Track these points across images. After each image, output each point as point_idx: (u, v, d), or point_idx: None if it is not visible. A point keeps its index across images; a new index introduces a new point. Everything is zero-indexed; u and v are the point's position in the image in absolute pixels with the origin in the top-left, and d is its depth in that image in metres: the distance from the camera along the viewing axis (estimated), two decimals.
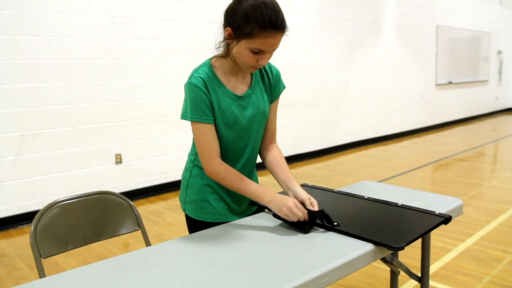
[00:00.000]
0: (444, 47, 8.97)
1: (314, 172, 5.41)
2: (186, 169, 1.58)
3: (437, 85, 8.94)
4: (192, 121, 1.38)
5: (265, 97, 1.51)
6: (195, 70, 1.41)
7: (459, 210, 1.58)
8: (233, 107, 1.42)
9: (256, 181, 1.62)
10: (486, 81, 10.88)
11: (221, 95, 1.40)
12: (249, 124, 1.46)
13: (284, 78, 1.76)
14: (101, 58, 4.13)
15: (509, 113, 11.67)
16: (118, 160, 4.35)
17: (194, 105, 1.36)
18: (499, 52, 11.28)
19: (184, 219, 1.62)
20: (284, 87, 1.58)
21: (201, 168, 1.48)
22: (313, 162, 6.02)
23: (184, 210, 1.58)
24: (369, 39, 7.11)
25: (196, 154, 1.49)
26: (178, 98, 4.74)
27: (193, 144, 1.52)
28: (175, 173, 4.81)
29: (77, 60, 3.99)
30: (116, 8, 4.18)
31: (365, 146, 7.15)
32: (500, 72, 11.47)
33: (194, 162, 1.53)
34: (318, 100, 6.24)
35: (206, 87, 1.37)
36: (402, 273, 1.75)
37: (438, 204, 1.56)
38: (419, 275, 1.69)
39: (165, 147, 4.71)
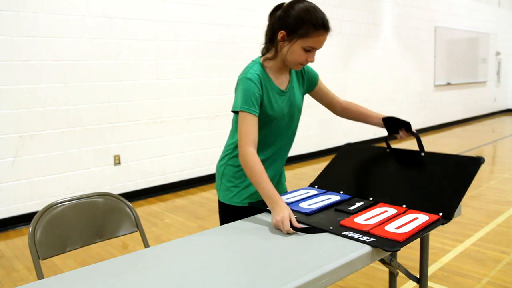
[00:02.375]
0: (442, 48, 8.98)
1: (312, 173, 5.41)
2: (221, 159, 1.72)
3: (436, 86, 8.96)
4: (241, 111, 1.49)
5: (300, 92, 1.70)
6: (250, 67, 1.55)
7: (457, 211, 1.58)
8: (279, 101, 1.59)
9: (283, 172, 1.80)
10: (485, 82, 10.90)
11: (271, 90, 1.57)
12: (288, 116, 1.64)
13: None
14: (100, 59, 4.13)
15: (508, 114, 11.70)
16: (117, 161, 4.34)
17: (246, 97, 1.49)
18: (497, 53, 11.31)
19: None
20: (317, 73, 1.77)
21: (236, 158, 1.63)
22: (311, 163, 6.02)
23: (219, 197, 1.72)
24: (368, 41, 7.12)
25: (232, 146, 1.65)
26: (176, 99, 4.74)
27: (230, 138, 1.68)
28: (173, 174, 4.81)
29: (76, 61, 3.99)
30: (114, 9, 4.18)
31: None
32: (498, 73, 11.49)
33: (231, 153, 1.67)
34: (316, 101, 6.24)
35: (260, 83, 1.53)
36: (400, 274, 1.75)
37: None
38: (418, 276, 1.70)
39: (164, 148, 4.71)
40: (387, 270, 2.04)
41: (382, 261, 1.59)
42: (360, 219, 1.38)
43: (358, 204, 1.54)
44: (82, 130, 4.08)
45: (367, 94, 7.24)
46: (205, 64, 4.95)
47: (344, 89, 6.75)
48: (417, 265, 2.22)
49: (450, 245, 3.06)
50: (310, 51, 1.50)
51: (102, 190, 4.14)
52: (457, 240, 3.14)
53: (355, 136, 7.06)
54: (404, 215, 1.41)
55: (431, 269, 2.69)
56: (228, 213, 1.66)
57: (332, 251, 1.19)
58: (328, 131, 6.57)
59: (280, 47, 1.53)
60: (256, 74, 1.52)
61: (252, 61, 1.60)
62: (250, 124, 1.48)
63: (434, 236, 3.21)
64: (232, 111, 1.53)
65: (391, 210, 1.46)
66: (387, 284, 2.47)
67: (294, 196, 1.66)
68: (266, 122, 1.58)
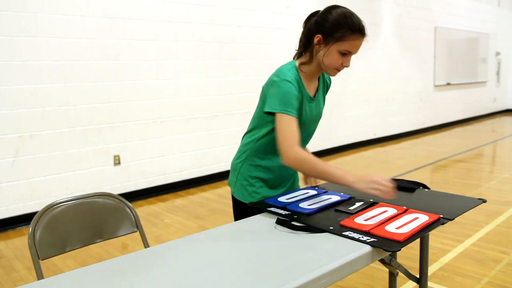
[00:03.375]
0: (442, 49, 8.98)
1: None
2: (238, 156, 1.72)
3: (436, 86, 8.96)
4: (281, 113, 1.48)
5: (323, 100, 1.74)
6: (288, 69, 1.55)
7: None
8: (308, 107, 1.61)
9: (297, 173, 1.80)
10: (484, 82, 10.90)
11: (304, 93, 1.59)
12: (312, 123, 1.68)
13: None
14: (100, 59, 4.13)
15: (507, 114, 11.70)
16: (117, 161, 4.34)
17: (286, 99, 1.49)
18: (497, 53, 11.31)
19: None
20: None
21: (254, 157, 1.66)
22: None
23: (233, 193, 1.73)
24: (368, 41, 7.10)
25: (252, 145, 1.66)
26: (176, 99, 4.74)
27: (248, 136, 1.68)
28: (173, 174, 4.81)
29: (76, 61, 3.99)
30: (114, 9, 4.18)
31: (364, 147, 7.16)
32: (498, 73, 11.49)
33: (250, 151, 1.68)
34: None
35: (298, 86, 1.55)
36: (400, 274, 1.75)
37: None
38: (418, 276, 1.70)
39: (164, 148, 4.71)
40: (387, 270, 2.04)
41: (382, 261, 1.59)
42: (360, 219, 1.38)
43: (358, 204, 1.54)
44: (82, 130, 4.08)
45: (367, 94, 7.24)
46: (205, 64, 4.95)
47: (344, 89, 6.75)
48: (417, 265, 2.22)
49: (450, 245, 3.06)
50: (346, 55, 1.53)
51: (102, 190, 4.14)
52: (457, 240, 3.14)
53: (355, 137, 7.07)
54: (404, 215, 1.40)
55: (431, 269, 2.69)
56: (242, 210, 1.69)
57: (332, 251, 1.19)
58: (329, 132, 6.57)
59: (316, 51, 1.55)
60: (295, 77, 1.54)
61: (288, 63, 1.60)
62: (292, 125, 1.48)
63: (434, 236, 3.21)
64: (266, 112, 1.53)
65: (391, 210, 1.46)
66: (387, 284, 2.47)
67: (294, 196, 1.65)
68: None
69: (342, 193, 1.68)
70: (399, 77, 7.94)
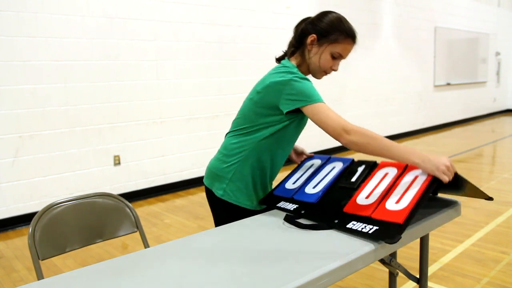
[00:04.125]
0: (442, 49, 8.99)
1: None
2: (232, 157, 1.64)
3: (435, 86, 8.96)
4: (317, 103, 1.46)
5: None
6: (296, 70, 1.53)
7: (457, 211, 1.58)
8: None
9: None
10: (484, 82, 10.90)
11: None
12: (304, 124, 1.69)
13: None
14: (100, 59, 4.13)
15: (507, 114, 11.70)
16: (117, 161, 4.34)
17: (314, 90, 1.49)
18: (497, 54, 11.31)
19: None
20: None
21: (251, 158, 1.60)
22: None
23: (221, 196, 1.64)
24: (368, 41, 7.12)
25: (240, 150, 1.61)
26: (176, 100, 4.74)
27: (235, 138, 1.63)
28: (173, 175, 4.81)
29: (76, 61, 3.99)
30: (114, 9, 4.18)
31: None
32: (498, 73, 11.49)
33: (246, 153, 1.62)
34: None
35: None
36: (400, 274, 1.75)
37: (437, 205, 1.56)
38: (418, 276, 1.70)
39: (164, 148, 4.71)
40: (387, 270, 2.04)
41: (382, 261, 1.59)
42: (362, 198, 1.40)
43: (360, 170, 1.57)
44: (82, 130, 4.08)
45: (367, 94, 7.24)
46: (205, 64, 4.95)
47: (344, 89, 6.75)
48: (417, 265, 2.22)
49: (450, 245, 3.06)
50: (336, 58, 1.57)
51: (102, 190, 4.14)
52: (457, 240, 3.14)
53: None
54: (405, 176, 1.42)
55: (431, 269, 2.69)
56: (234, 212, 1.63)
57: (332, 251, 1.19)
58: None
59: (308, 51, 1.58)
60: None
61: (286, 62, 1.59)
62: (332, 110, 1.46)
63: (434, 236, 3.21)
64: (290, 111, 1.49)
65: (392, 171, 1.47)
66: (387, 284, 2.47)
67: (301, 176, 1.69)
68: (299, 123, 1.62)
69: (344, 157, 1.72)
70: (399, 77, 7.94)
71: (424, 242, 1.64)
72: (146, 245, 1.63)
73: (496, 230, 3.33)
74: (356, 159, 1.67)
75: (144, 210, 4.16)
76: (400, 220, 1.24)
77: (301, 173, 1.73)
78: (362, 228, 1.27)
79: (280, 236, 1.32)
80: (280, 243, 1.27)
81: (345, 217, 1.37)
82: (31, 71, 3.74)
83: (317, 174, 1.67)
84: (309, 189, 1.58)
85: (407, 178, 1.41)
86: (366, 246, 1.20)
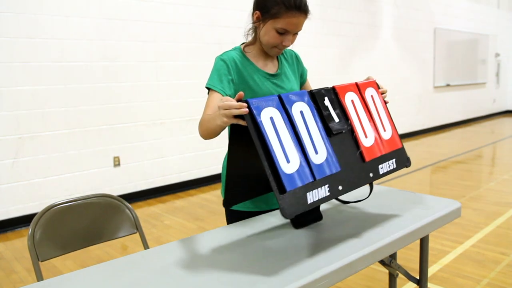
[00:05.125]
0: (442, 50, 8.99)
1: None
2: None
3: (435, 87, 8.96)
4: (212, 88, 1.46)
5: (296, 80, 1.66)
6: (229, 51, 1.55)
7: (457, 212, 1.58)
8: (267, 84, 1.55)
9: None
10: (484, 83, 10.91)
11: (254, 72, 1.54)
12: None
13: None
14: (99, 60, 4.13)
15: (507, 116, 11.70)
16: (116, 162, 4.34)
17: (215, 75, 1.47)
18: (497, 55, 11.32)
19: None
20: (306, 69, 1.74)
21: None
22: None
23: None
24: (367, 42, 7.12)
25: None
26: (176, 101, 4.74)
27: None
28: (173, 176, 4.81)
29: (75, 62, 3.99)
30: (114, 11, 4.18)
31: None
32: (497, 74, 11.50)
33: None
34: None
35: (236, 67, 1.50)
36: (400, 275, 1.75)
37: (436, 206, 1.56)
38: (418, 277, 1.69)
39: (164, 149, 4.71)
40: (387, 271, 2.03)
41: (382, 262, 1.59)
42: (365, 139, 1.38)
43: (329, 105, 1.33)
44: (81, 131, 4.08)
45: None
46: (205, 66, 4.95)
47: None
48: (416, 266, 2.22)
49: (450, 247, 3.06)
50: (284, 34, 1.46)
51: (102, 191, 4.14)
52: (457, 242, 3.14)
53: None
54: (365, 98, 1.46)
55: (431, 271, 2.69)
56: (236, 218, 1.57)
57: (331, 252, 1.19)
58: None
59: (258, 30, 1.52)
60: (232, 57, 1.51)
61: (233, 48, 1.59)
62: (213, 102, 1.42)
63: (433, 237, 3.21)
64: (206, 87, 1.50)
65: (354, 96, 1.41)
66: (387, 286, 2.47)
67: (284, 147, 1.17)
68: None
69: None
70: (399, 79, 7.95)
71: (424, 243, 1.64)
72: (145, 246, 1.63)
73: (496, 231, 3.33)
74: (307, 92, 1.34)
75: (143, 211, 4.16)
76: (399, 144, 1.36)
77: (277, 142, 1.15)
78: (389, 167, 1.35)
79: (280, 238, 1.32)
80: (280, 244, 1.27)
81: (370, 166, 1.34)
82: (31, 72, 3.74)
83: (299, 133, 1.22)
84: (315, 158, 1.22)
85: (369, 101, 1.46)
86: (365, 248, 1.20)
